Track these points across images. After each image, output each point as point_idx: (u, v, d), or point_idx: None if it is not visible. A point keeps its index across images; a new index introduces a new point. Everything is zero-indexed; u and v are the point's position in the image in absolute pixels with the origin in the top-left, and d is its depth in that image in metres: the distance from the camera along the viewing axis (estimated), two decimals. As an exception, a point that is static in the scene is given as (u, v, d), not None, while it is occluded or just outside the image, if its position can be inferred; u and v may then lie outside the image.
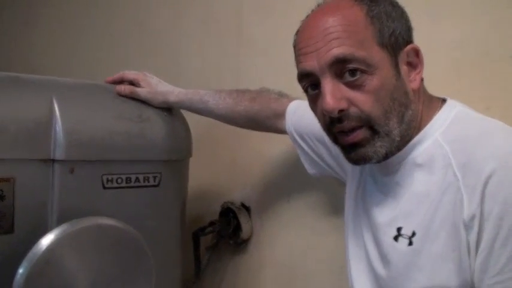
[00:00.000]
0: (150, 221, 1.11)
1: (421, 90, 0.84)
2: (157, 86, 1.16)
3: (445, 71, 1.03)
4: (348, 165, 0.99)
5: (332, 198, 1.25)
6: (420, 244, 0.79)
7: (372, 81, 0.78)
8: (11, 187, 0.92)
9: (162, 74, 1.22)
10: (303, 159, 1.13)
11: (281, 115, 1.12)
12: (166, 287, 1.17)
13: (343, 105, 0.78)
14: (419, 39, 0.85)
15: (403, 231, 0.82)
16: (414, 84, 0.81)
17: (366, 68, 0.77)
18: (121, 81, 1.17)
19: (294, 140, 1.12)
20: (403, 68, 0.81)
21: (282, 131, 1.15)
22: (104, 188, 1.03)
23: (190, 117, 1.24)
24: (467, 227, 0.73)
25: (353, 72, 0.78)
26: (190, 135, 1.23)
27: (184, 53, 1.65)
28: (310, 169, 1.14)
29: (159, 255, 1.09)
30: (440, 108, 0.83)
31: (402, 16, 0.82)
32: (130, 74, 1.17)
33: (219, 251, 1.51)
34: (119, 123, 1.06)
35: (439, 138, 0.80)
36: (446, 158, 0.77)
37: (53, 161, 0.97)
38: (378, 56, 0.78)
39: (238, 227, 1.41)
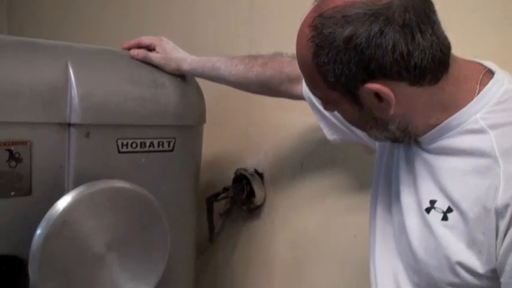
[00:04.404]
0: (165, 185, 1.13)
1: (428, 96, 0.77)
2: (172, 52, 1.16)
3: (465, 34, 1.01)
4: None
5: (346, 165, 1.25)
6: (454, 221, 0.76)
7: (337, 111, 0.88)
8: (28, 150, 0.94)
9: (175, 41, 1.22)
10: (322, 125, 1.11)
11: (295, 80, 1.10)
12: (181, 250, 1.19)
13: None
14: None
15: (436, 205, 0.79)
16: (384, 113, 0.79)
17: (328, 103, 0.86)
18: (138, 47, 1.16)
19: (312, 105, 1.09)
20: (369, 101, 0.77)
21: (297, 97, 1.13)
22: (119, 152, 1.05)
23: (204, 84, 1.24)
24: (499, 214, 0.71)
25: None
26: (204, 101, 1.23)
27: (196, 19, 1.65)
28: (330, 135, 1.11)
29: (174, 220, 1.11)
30: (484, 86, 0.77)
31: (357, 53, 0.73)
32: (146, 39, 1.17)
33: (232, 217, 1.53)
34: (133, 88, 1.06)
35: (480, 121, 0.76)
36: (488, 142, 0.74)
37: (69, 124, 0.98)
38: (330, 95, 0.81)
39: (251, 193, 1.43)
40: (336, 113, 1.02)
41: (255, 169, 1.46)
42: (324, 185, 1.30)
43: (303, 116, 1.26)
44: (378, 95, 0.76)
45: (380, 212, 0.94)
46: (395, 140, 0.86)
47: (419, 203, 0.82)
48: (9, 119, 0.92)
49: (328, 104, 0.87)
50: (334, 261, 1.29)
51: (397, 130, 0.81)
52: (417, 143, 0.85)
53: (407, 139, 0.84)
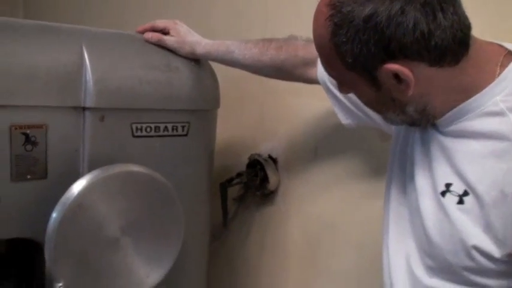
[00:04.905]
0: (179, 170, 1.13)
1: (450, 77, 0.76)
2: (186, 35, 1.15)
3: (486, 15, 0.99)
4: None
5: (361, 150, 1.25)
6: (470, 205, 0.76)
7: (354, 93, 0.86)
8: (43, 134, 0.94)
9: (191, 23, 1.21)
10: (336, 109, 1.09)
11: (310, 63, 1.09)
12: (194, 235, 1.20)
13: None
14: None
15: (452, 188, 0.78)
16: (403, 95, 0.77)
17: (343, 84, 0.85)
18: (152, 31, 1.16)
19: (327, 89, 1.08)
20: (388, 82, 0.76)
21: (312, 81, 1.11)
22: (134, 136, 1.05)
23: (218, 69, 1.23)
24: None
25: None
26: (218, 85, 1.23)
27: (212, 2, 1.64)
28: (344, 119, 1.10)
29: (188, 204, 1.11)
30: (504, 68, 0.76)
31: (377, 33, 0.71)
32: (160, 23, 1.16)
33: (246, 202, 1.53)
34: (148, 72, 1.06)
35: (500, 103, 0.74)
36: (508, 125, 0.73)
37: (84, 108, 0.98)
38: (347, 76, 0.79)
39: (265, 179, 1.42)
40: (351, 97, 1.02)
41: (269, 154, 1.46)
42: (338, 170, 1.30)
43: (317, 101, 1.25)
44: (396, 76, 0.74)
45: (394, 195, 0.93)
46: (411, 123, 0.85)
47: (434, 186, 0.81)
48: (25, 103, 0.92)
49: (343, 86, 0.86)
50: (348, 246, 1.29)
51: (414, 112, 0.80)
52: (434, 126, 0.84)
53: (425, 122, 0.83)
